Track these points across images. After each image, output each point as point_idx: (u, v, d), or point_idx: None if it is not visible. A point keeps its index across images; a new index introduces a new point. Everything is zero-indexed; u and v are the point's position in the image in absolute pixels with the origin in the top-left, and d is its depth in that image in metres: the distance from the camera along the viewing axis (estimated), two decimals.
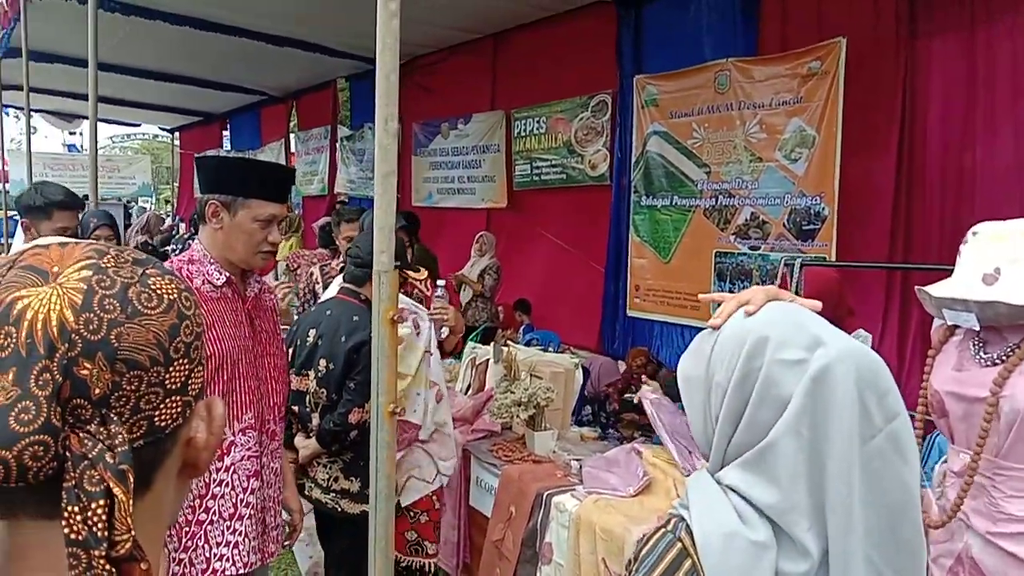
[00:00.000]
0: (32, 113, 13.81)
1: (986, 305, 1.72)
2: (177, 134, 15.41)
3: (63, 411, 0.57)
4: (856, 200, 4.39)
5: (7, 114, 9.20)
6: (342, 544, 2.76)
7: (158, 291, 0.63)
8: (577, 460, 3.09)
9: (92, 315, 0.59)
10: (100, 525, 0.56)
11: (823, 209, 4.49)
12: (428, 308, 3.28)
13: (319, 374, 2.68)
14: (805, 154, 4.58)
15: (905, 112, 4.20)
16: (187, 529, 2.00)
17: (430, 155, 8.11)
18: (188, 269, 2.06)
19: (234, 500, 2.07)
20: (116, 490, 0.57)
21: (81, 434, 0.57)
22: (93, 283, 0.60)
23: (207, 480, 2.03)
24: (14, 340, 0.56)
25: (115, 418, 0.60)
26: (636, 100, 5.70)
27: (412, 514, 2.98)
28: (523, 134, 6.92)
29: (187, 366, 0.65)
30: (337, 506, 2.72)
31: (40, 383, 0.55)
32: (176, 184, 15.55)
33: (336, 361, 2.64)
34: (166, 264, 2.03)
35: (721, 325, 1.06)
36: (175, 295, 0.65)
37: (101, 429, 0.58)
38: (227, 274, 2.09)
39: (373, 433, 1.91)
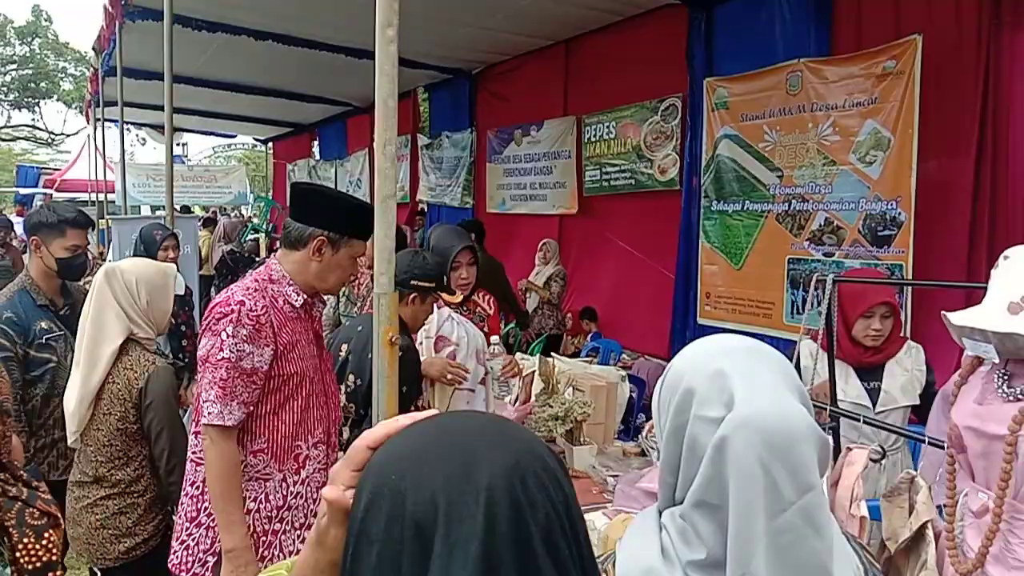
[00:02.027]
0: (140, 126, 14.74)
1: (1005, 337, 1.57)
2: (270, 144, 16.04)
3: None
4: (934, 205, 4.15)
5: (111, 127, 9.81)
6: None
7: None
8: (614, 477, 3.03)
9: None
10: (55, 551, 0.64)
11: (899, 214, 4.26)
12: (491, 326, 3.33)
13: (348, 389, 2.73)
14: (880, 157, 4.35)
15: (986, 112, 3.94)
16: (264, 539, 2.11)
17: (504, 162, 8.14)
18: (271, 289, 2.15)
19: (306, 511, 2.19)
20: (61, 520, 0.65)
21: None
22: None
23: (284, 493, 2.14)
24: None
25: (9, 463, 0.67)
26: (707, 103, 5.54)
27: None
28: (593, 139, 6.86)
29: None
30: None
31: None
32: (270, 192, 16.20)
33: (363, 377, 2.68)
34: (248, 279, 2.10)
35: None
36: None
37: (7, 475, 0.65)
38: (304, 296, 2.20)
39: None
